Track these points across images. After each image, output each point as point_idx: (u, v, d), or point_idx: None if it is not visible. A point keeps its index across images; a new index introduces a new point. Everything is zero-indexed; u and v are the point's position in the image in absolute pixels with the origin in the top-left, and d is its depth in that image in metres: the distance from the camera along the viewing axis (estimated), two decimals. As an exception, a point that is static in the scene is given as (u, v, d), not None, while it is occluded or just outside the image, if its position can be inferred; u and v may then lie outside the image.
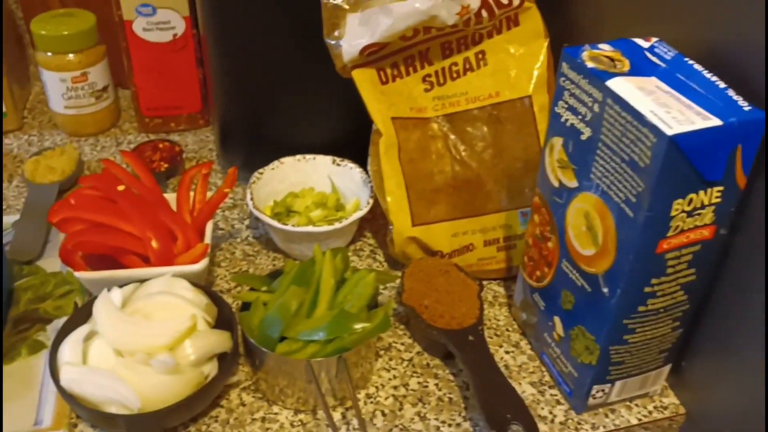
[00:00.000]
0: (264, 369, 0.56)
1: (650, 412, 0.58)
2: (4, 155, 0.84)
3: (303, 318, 0.56)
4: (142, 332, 0.53)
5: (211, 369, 0.55)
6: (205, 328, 0.56)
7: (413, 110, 0.68)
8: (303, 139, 0.75)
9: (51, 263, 0.69)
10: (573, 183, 0.53)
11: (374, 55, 0.65)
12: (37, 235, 0.71)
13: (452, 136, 0.68)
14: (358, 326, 0.54)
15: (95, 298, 0.57)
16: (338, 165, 0.74)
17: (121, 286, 0.58)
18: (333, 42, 0.65)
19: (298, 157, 0.74)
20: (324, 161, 0.74)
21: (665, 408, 0.59)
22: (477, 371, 0.56)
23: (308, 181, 0.74)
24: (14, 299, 0.65)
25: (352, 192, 0.73)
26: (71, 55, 0.82)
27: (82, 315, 0.57)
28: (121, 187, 0.63)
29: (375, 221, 0.75)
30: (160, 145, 0.82)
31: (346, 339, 0.54)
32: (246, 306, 0.58)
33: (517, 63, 0.68)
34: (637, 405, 0.59)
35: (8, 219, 0.74)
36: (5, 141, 0.86)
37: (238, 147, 0.79)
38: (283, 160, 0.73)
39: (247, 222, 0.76)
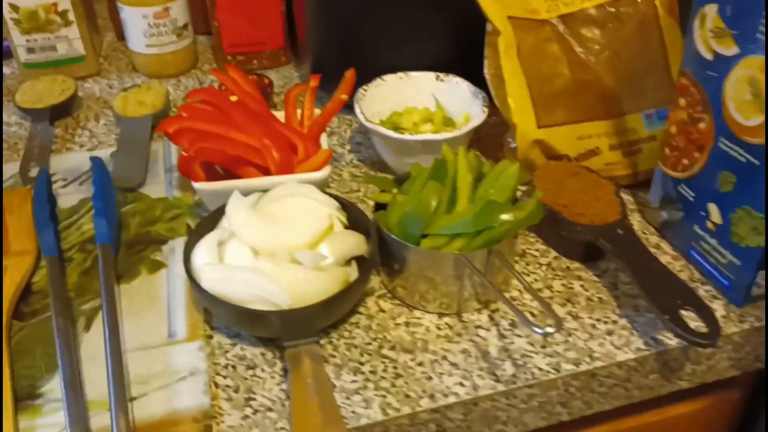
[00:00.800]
0: (405, 271, 0.53)
1: (815, 303, 0.55)
2: (87, 97, 0.82)
3: (443, 215, 0.52)
4: (281, 230, 0.50)
5: (351, 272, 0.52)
6: (341, 229, 0.53)
7: (527, 12, 0.64)
8: (402, 62, 0.72)
9: (154, 190, 0.66)
10: (732, 50, 0.49)
11: (488, -47, 0.62)
12: (138, 164, 0.68)
13: (569, 38, 0.64)
14: (507, 216, 0.50)
15: (221, 207, 0.54)
16: (442, 81, 0.71)
17: (242, 197, 0.55)
18: (443, -59, 0.62)
19: (400, 74, 0.71)
20: (427, 78, 0.71)
21: (830, 298, 0.55)
22: (634, 262, 0.52)
23: (411, 100, 0.71)
24: (123, 224, 0.62)
25: (458, 108, 0.70)
26: (152, -9, 0.80)
27: (207, 225, 0.54)
28: (233, 98, 0.60)
29: (481, 141, 0.71)
30: (249, 78, 0.79)
31: (497, 230, 0.50)
32: (379, 207, 0.55)
33: (635, -45, 0.65)
34: (801, 296, 0.55)
35: (104, 152, 0.71)
36: (86, 85, 0.84)
37: (334, 77, 0.76)
38: (384, 77, 0.70)
39: (348, 147, 0.73)
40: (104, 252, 0.54)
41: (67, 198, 0.65)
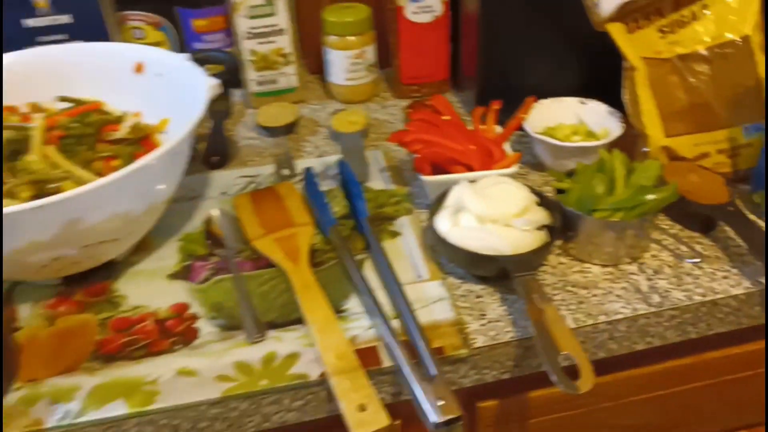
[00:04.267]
0: (578, 236, 0.76)
1: None
2: (300, 118, 1.08)
3: (605, 197, 0.76)
4: (498, 205, 0.74)
5: (543, 235, 0.75)
6: (534, 206, 0.77)
7: (653, 53, 0.88)
8: (551, 88, 0.96)
9: (375, 184, 0.91)
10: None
11: (624, 10, 0.86)
12: (361, 167, 0.93)
13: (684, 72, 0.87)
14: (654, 195, 0.73)
15: (443, 193, 0.79)
16: (584, 104, 0.94)
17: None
18: (591, 3, 0.86)
19: (552, 99, 0.95)
20: (573, 101, 0.95)
21: None
22: (743, 231, 0.75)
23: (559, 119, 0.95)
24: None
25: (597, 124, 0.93)
26: (353, 37, 1.06)
27: (436, 205, 0.79)
28: (446, 117, 0.85)
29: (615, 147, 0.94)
30: (427, 103, 1.04)
31: (648, 204, 0.73)
32: (558, 193, 0.79)
33: (734, 11, 0.87)
34: None
35: (328, 159, 0.97)
36: (305, 108, 1.10)
37: (495, 98, 1.01)
38: (541, 101, 0.94)
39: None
40: (368, 222, 0.79)
41: (316, 189, 0.91)
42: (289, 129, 1.03)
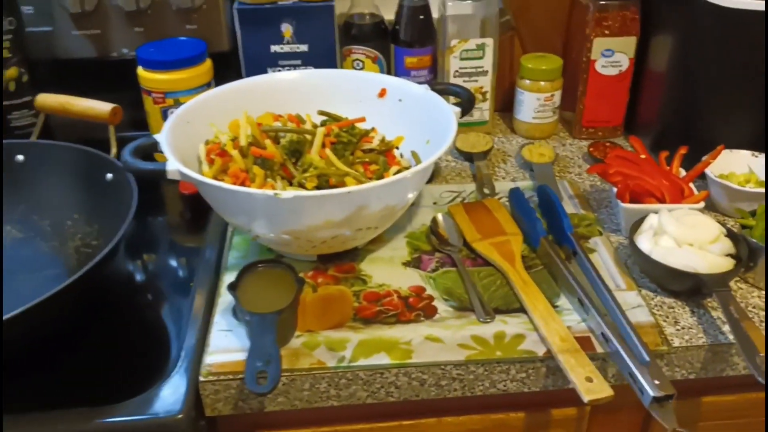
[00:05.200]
0: (758, 265, 0.89)
1: None
2: (494, 146, 1.24)
3: (786, 235, 0.89)
4: (695, 231, 0.88)
5: (730, 261, 0.89)
6: (723, 236, 0.90)
7: (827, 117, 1.01)
8: (724, 140, 1.09)
9: (567, 209, 1.06)
10: None
11: (805, 80, 1.00)
12: (554, 186, 1.09)
13: None
14: (834, 238, 0.86)
15: (640, 219, 0.93)
16: (756, 156, 1.07)
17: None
18: (777, 71, 1.00)
19: (727, 150, 1.08)
20: (745, 154, 1.08)
21: None
22: None
23: (731, 168, 1.08)
24: (558, 226, 1.02)
25: (767, 175, 1.06)
26: (545, 83, 1.22)
27: (634, 228, 0.93)
28: (643, 156, 1.00)
29: (777, 198, 1.07)
30: (607, 144, 1.19)
31: (828, 244, 0.86)
32: (742, 228, 0.92)
33: None
34: None
35: (522, 183, 1.13)
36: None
37: (671, 148, 1.15)
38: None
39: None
40: (575, 237, 0.95)
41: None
42: (484, 155, 1.20)
